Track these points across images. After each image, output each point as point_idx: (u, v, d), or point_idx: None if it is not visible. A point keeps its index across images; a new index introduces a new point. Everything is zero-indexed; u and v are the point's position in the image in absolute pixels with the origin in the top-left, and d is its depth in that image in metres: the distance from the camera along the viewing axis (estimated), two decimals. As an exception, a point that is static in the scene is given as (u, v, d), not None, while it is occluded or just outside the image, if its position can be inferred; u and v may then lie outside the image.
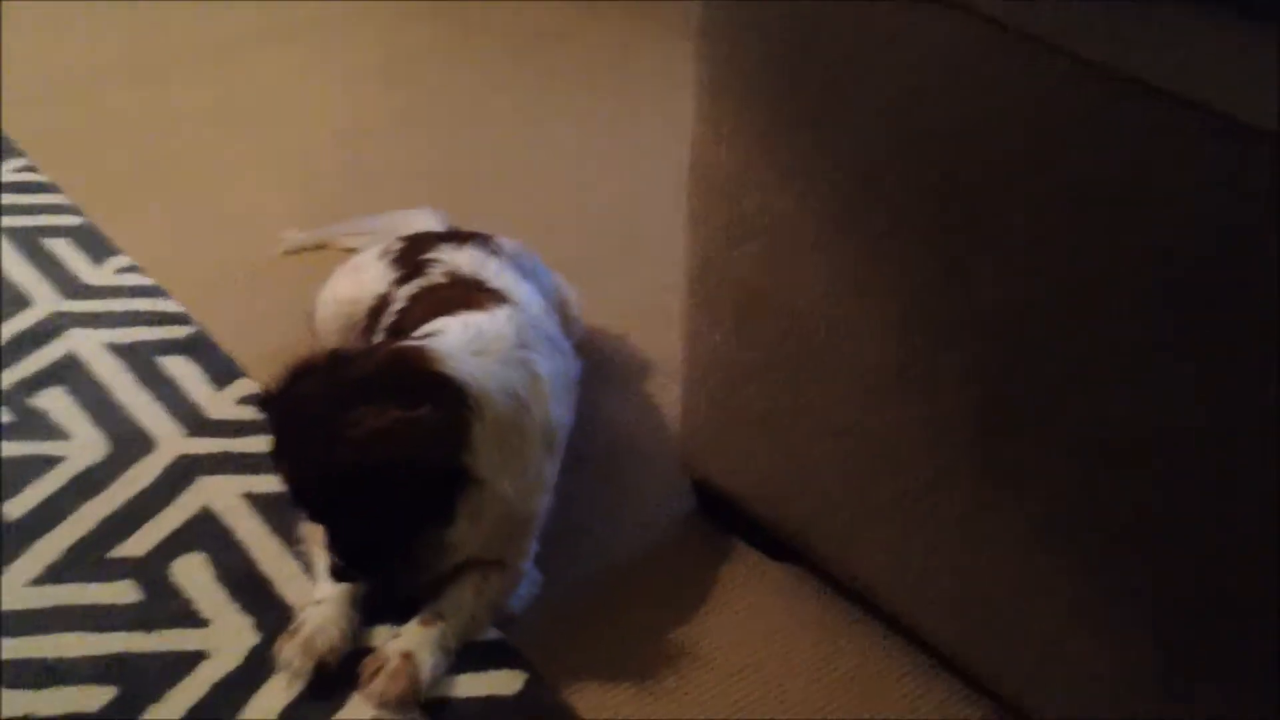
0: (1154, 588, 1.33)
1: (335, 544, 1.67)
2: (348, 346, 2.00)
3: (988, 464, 1.43)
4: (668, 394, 2.19)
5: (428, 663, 1.66)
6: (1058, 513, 1.39)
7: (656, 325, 2.33)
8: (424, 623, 1.71)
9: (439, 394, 1.63)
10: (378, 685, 1.64)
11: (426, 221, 2.42)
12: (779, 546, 1.88)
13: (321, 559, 1.74)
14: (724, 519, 1.94)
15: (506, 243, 2.15)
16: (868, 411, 1.53)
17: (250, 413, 2.07)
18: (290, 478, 1.65)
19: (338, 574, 1.69)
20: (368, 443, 1.55)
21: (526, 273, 2.08)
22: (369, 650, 1.69)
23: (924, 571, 1.59)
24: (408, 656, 1.66)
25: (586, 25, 3.58)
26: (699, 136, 1.58)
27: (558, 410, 1.80)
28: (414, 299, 1.94)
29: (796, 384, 1.61)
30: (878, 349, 1.47)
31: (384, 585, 1.75)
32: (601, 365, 2.29)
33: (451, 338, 1.74)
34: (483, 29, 3.55)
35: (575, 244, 2.60)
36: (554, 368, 1.82)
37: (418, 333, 1.79)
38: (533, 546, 1.82)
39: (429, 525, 1.66)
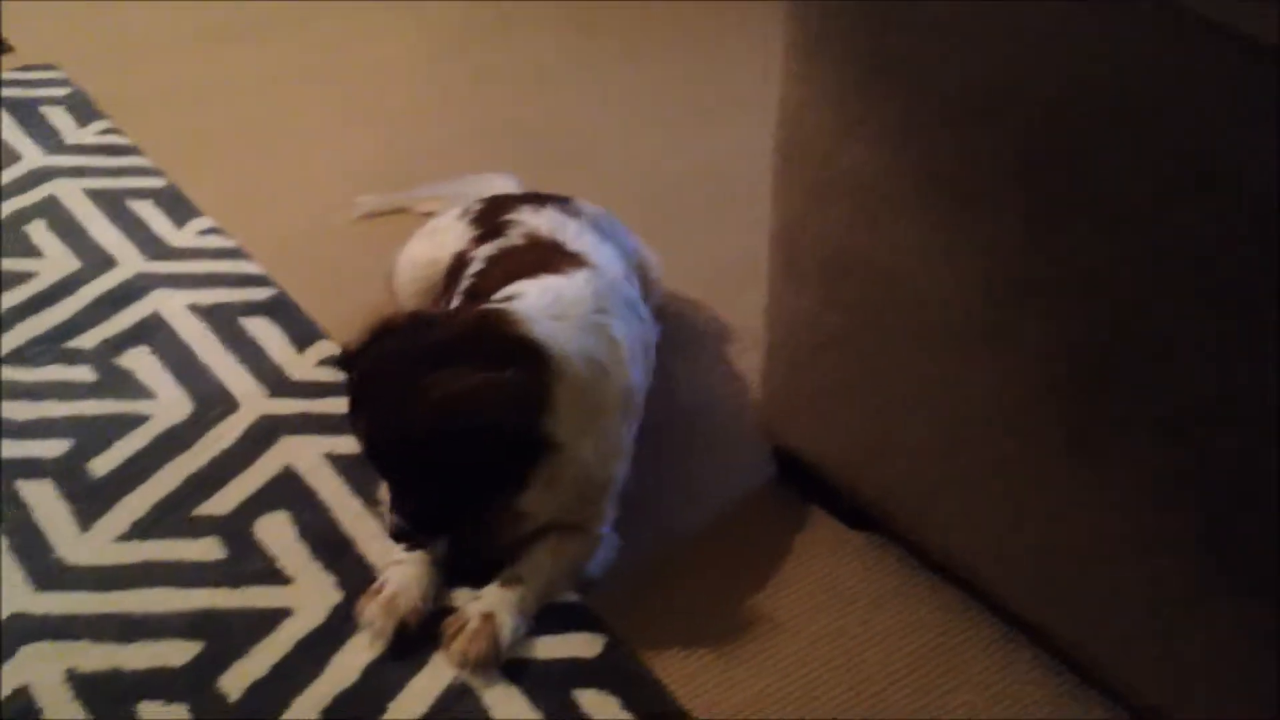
0: (1257, 561, 1.30)
1: (402, 505, 1.67)
2: (428, 308, 2.01)
3: (1080, 430, 1.40)
4: (746, 359, 2.18)
5: (508, 624, 1.67)
6: (1150, 481, 1.36)
7: (735, 290, 2.33)
8: (504, 585, 1.71)
9: (522, 358, 1.63)
10: (459, 645, 1.64)
11: (503, 185, 2.42)
12: (859, 515, 1.86)
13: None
14: (803, 486, 1.93)
15: (586, 205, 2.14)
16: (957, 376, 1.51)
17: (332, 374, 2.08)
18: (369, 436, 1.65)
19: (398, 536, 1.69)
20: (451, 404, 1.56)
21: (606, 236, 2.07)
22: (450, 611, 1.70)
23: (1010, 541, 1.57)
24: (488, 618, 1.66)
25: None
26: (789, 97, 1.56)
27: (634, 374, 1.80)
28: (492, 261, 1.94)
29: (884, 348, 1.59)
30: (970, 312, 1.45)
31: (460, 549, 1.76)
32: (680, 330, 2.28)
33: (530, 301, 1.74)
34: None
35: (654, 208, 2.59)
36: (631, 331, 1.81)
37: (496, 296, 1.79)
38: (611, 511, 1.81)
39: (503, 490, 1.67)
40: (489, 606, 1.68)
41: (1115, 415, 1.36)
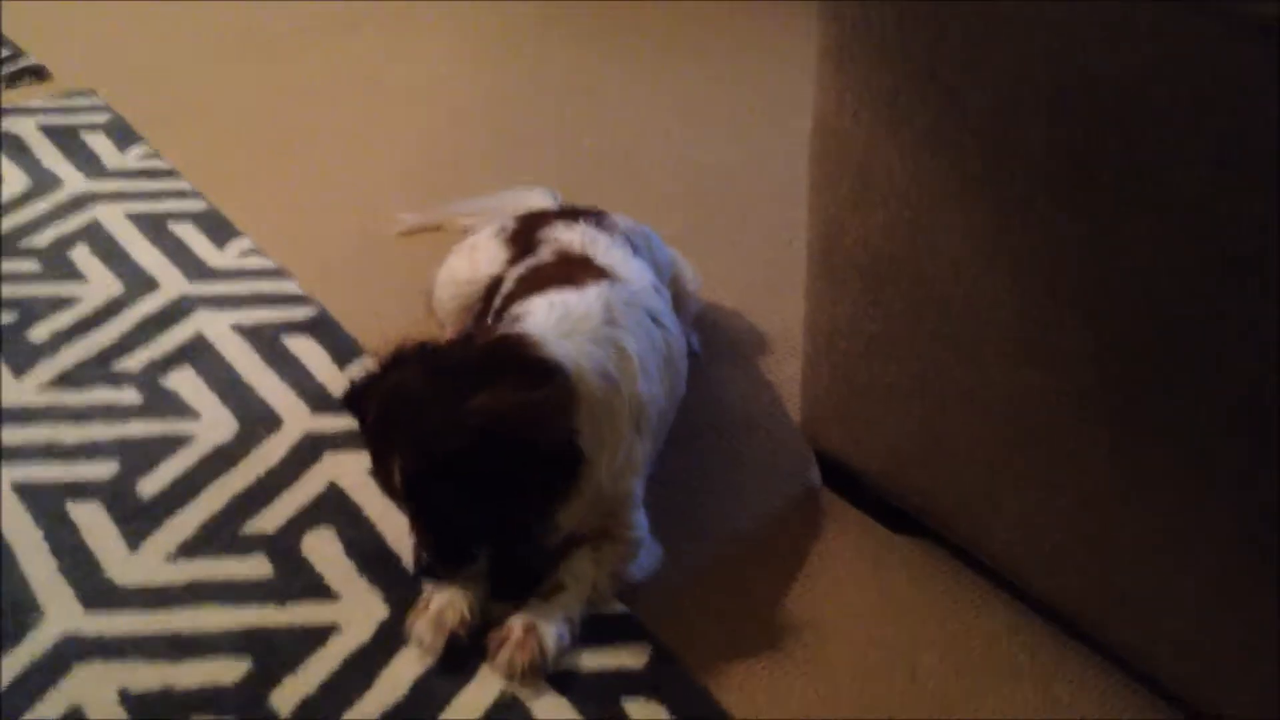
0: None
1: (435, 537, 1.67)
2: (443, 336, 2.02)
3: (1131, 434, 1.39)
4: (786, 367, 2.18)
5: (551, 633, 1.67)
6: (1204, 485, 1.35)
7: (771, 297, 2.34)
8: (546, 595, 1.72)
9: (543, 378, 1.64)
10: (504, 656, 1.65)
11: (539, 200, 2.42)
12: (905, 520, 1.86)
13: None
14: (848, 492, 1.93)
15: (621, 219, 2.14)
16: (1004, 380, 1.50)
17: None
18: (406, 467, 1.61)
19: (430, 571, 1.69)
20: (498, 423, 1.56)
21: (639, 249, 2.08)
22: (498, 623, 1.70)
23: (1059, 544, 1.56)
24: (531, 628, 1.67)
25: (695, -1, 3.57)
26: (822, 103, 1.56)
27: (646, 387, 1.79)
28: (521, 279, 1.95)
29: (928, 353, 1.58)
30: (1015, 316, 1.44)
31: (496, 566, 1.76)
32: (719, 339, 2.28)
33: (539, 319, 1.74)
34: (591, 4, 3.55)
35: (688, 218, 2.59)
36: (643, 345, 1.81)
37: (507, 314, 1.81)
38: (640, 518, 1.81)
39: (544, 508, 1.67)
40: (532, 617, 1.68)
41: (1172, 420, 1.34)
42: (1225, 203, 1.19)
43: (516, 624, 1.68)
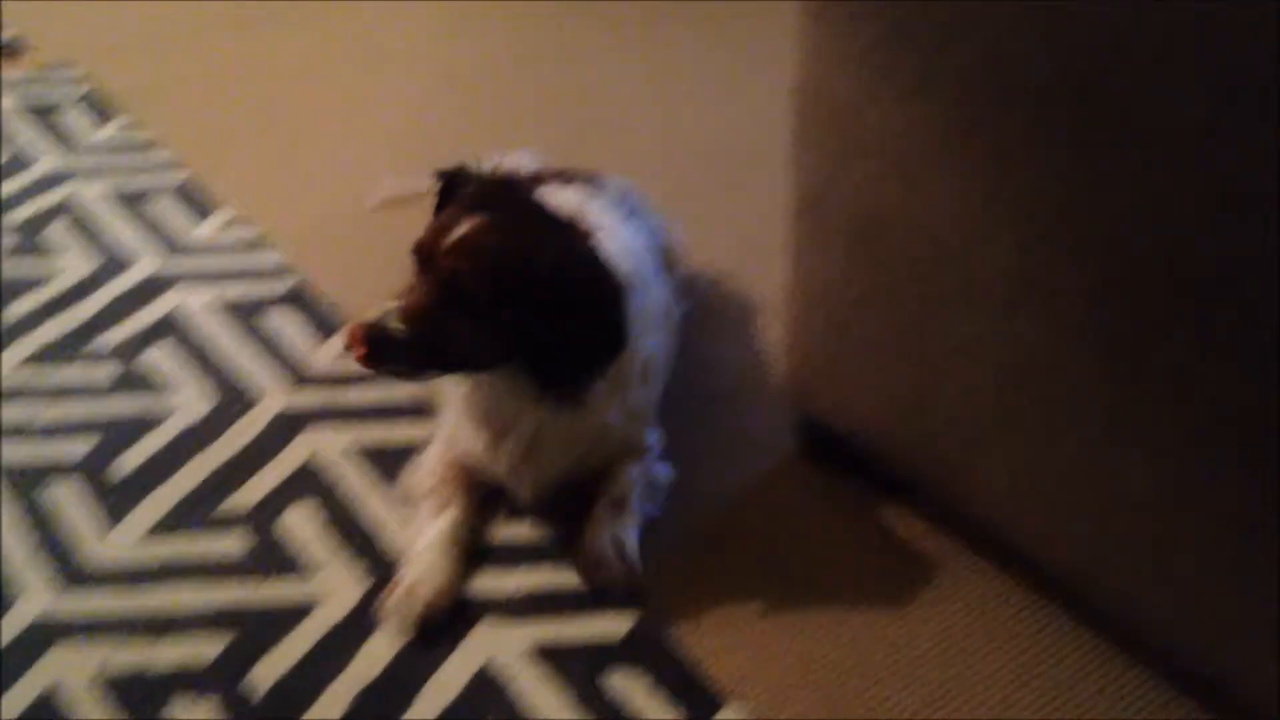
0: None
1: (428, 326, 1.59)
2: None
3: (1131, 379, 1.36)
4: (770, 333, 2.16)
5: (632, 541, 1.76)
6: (1207, 432, 1.32)
7: (757, 264, 2.30)
8: (611, 509, 1.78)
9: None
10: (606, 576, 1.73)
11: (522, 162, 2.39)
12: (889, 482, 1.84)
13: (429, 509, 1.77)
14: (832, 456, 1.90)
15: (613, 182, 2.12)
16: (999, 328, 1.47)
17: (354, 367, 2.04)
18: (474, 228, 1.56)
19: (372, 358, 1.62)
20: (580, 245, 1.62)
21: (631, 212, 2.05)
22: (583, 546, 1.76)
23: (1055, 498, 1.54)
24: (618, 544, 1.74)
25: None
26: (805, 58, 1.52)
27: (650, 340, 1.80)
28: None
29: (921, 304, 1.55)
30: (1012, 261, 1.40)
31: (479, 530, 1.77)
32: (703, 306, 2.26)
33: None
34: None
35: (674, 184, 2.56)
36: (643, 302, 1.80)
37: None
38: (653, 439, 1.87)
39: (572, 356, 1.63)
40: (612, 530, 1.76)
41: (1167, 367, 1.32)
42: (1226, 138, 1.15)
43: (606, 547, 1.74)
